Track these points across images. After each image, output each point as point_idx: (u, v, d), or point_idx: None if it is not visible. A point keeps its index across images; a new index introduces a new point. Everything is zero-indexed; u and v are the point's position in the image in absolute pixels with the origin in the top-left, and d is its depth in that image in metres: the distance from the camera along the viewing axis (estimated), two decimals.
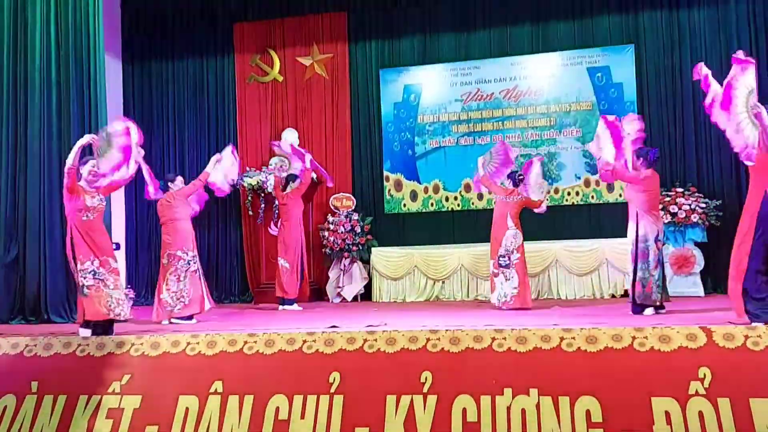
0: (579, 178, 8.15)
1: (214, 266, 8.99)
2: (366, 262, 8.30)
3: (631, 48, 8.12)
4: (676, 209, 7.19)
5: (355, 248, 8.21)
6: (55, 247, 6.10)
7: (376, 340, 3.85)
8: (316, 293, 8.36)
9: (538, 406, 3.49)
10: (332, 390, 3.69)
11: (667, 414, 3.33)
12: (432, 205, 8.63)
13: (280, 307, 7.15)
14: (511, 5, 8.47)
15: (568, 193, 8.22)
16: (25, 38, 6.38)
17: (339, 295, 8.24)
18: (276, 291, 7.27)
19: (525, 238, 6.54)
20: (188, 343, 4.01)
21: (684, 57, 7.94)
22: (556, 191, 8.22)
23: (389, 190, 8.77)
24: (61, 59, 6.37)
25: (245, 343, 3.97)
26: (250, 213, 8.53)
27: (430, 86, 8.73)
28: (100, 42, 6.52)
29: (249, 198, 8.45)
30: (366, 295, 8.26)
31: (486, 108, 8.55)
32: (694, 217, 7.17)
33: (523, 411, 3.49)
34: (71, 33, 6.40)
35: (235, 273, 8.99)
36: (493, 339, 3.77)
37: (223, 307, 8.03)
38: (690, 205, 7.21)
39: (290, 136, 8.64)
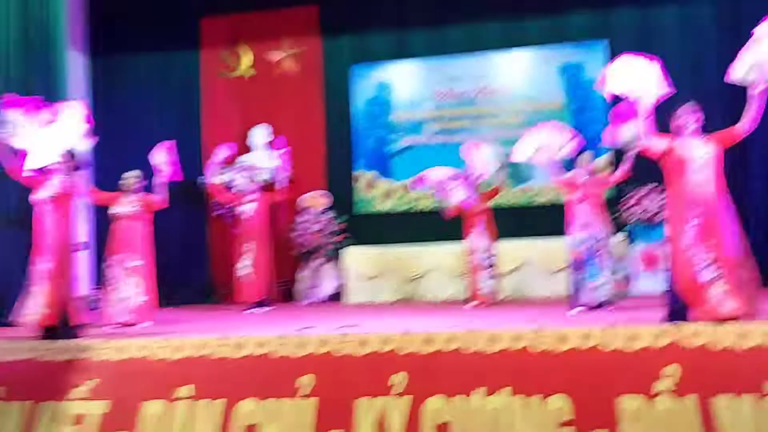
0: None
1: (179, 266, 8.81)
2: (338, 261, 8.24)
3: (604, 44, 8.16)
4: (645, 206, 7.28)
5: (327, 248, 8.14)
6: (6, 246, 5.91)
7: (348, 342, 3.82)
8: (286, 294, 8.29)
9: (509, 405, 3.50)
10: (303, 393, 3.65)
11: (635, 411, 3.37)
12: (406, 203, 8.61)
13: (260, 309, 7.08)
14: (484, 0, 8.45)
15: (539, 192, 8.26)
16: None
17: (310, 296, 8.17)
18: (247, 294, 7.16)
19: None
20: (156, 347, 3.94)
21: (657, 54, 8.00)
22: (528, 190, 8.27)
23: (362, 188, 8.73)
24: (21, 54, 6.17)
25: (215, 346, 3.90)
26: (217, 212, 8.41)
27: (404, 83, 8.71)
28: (63, 36, 6.35)
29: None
30: (339, 295, 8.20)
31: (459, 106, 8.55)
32: (662, 215, 7.27)
33: (495, 411, 3.50)
34: (32, 26, 6.20)
35: (202, 274, 8.84)
36: (465, 340, 3.76)
37: (188, 308, 7.91)
38: (659, 202, 7.32)
39: (260, 133, 8.54)
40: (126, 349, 3.95)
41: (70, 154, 4.73)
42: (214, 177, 7.58)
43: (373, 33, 8.81)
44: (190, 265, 8.83)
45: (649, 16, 8.08)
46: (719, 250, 4.00)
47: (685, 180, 4.12)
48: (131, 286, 5.70)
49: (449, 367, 3.69)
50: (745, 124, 4.20)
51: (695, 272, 4.02)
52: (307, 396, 3.64)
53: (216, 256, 8.69)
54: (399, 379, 3.64)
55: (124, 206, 5.88)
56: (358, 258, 8.08)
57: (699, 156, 4.13)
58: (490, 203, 6.87)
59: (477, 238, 6.60)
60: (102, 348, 3.99)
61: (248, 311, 6.99)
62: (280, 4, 8.87)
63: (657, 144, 4.20)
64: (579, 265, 5.48)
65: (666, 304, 4.23)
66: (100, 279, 8.35)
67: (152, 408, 3.69)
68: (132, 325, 5.60)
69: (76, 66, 8.06)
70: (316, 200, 8.44)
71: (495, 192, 6.89)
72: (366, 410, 3.55)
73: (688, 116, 4.22)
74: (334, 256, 8.23)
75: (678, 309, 4.11)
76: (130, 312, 5.65)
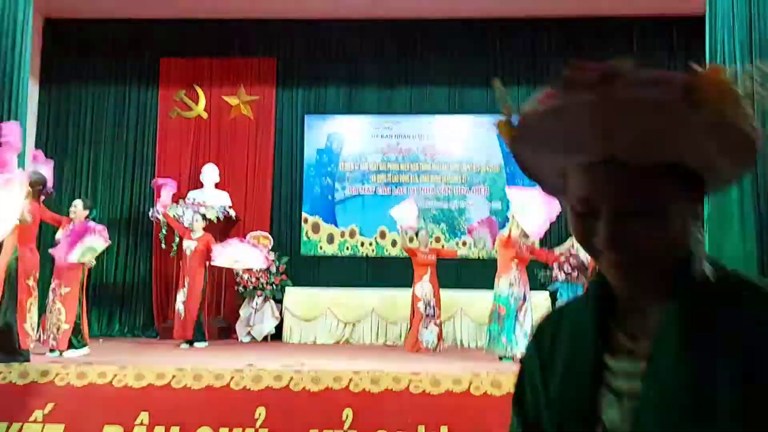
0: None
1: (120, 298, 8.82)
2: (279, 301, 8.43)
3: None
4: (569, 269, 7.90)
5: (269, 287, 8.33)
6: None
7: (302, 378, 4.10)
8: (224, 331, 8.37)
9: None
10: (258, 425, 3.88)
11: None
12: (348, 249, 8.96)
13: (195, 344, 7.18)
14: (431, 68, 9.10)
15: (475, 246, 8.80)
16: None
17: (249, 334, 8.29)
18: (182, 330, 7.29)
19: None
20: (115, 375, 4.08)
21: None
22: (464, 243, 8.80)
23: (307, 232, 9.03)
24: None
25: (173, 376, 4.09)
26: (164, 246, 8.48)
27: (353, 136, 9.17)
28: (26, 65, 6.41)
29: (163, 231, 8.42)
30: (276, 335, 8.35)
31: (404, 161, 9.07)
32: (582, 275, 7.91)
33: None
34: None
35: (142, 307, 8.85)
36: (410, 381, 4.11)
37: (123, 340, 7.89)
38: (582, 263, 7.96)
39: (211, 171, 8.76)
40: (86, 375, 4.07)
41: (35, 180, 4.84)
42: (167, 209, 7.76)
43: (327, 87, 9.28)
44: (132, 297, 8.83)
45: None
46: None
47: None
48: (58, 312, 5.76)
49: (394, 406, 4.02)
50: None
51: None
52: (261, 427, 3.87)
53: (158, 290, 8.72)
54: (347, 415, 3.93)
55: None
56: (298, 298, 8.29)
57: None
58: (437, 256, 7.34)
59: (422, 287, 7.00)
60: (61, 373, 4.08)
61: (182, 347, 7.09)
62: (240, 53, 9.23)
63: None
64: (499, 319, 6.00)
65: None
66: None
67: None
68: (56, 350, 5.61)
69: (30, 95, 8.07)
70: (260, 240, 8.65)
71: (452, 254, 7.45)
72: None
73: None
74: (274, 296, 8.41)
75: None
76: (55, 338, 5.68)
